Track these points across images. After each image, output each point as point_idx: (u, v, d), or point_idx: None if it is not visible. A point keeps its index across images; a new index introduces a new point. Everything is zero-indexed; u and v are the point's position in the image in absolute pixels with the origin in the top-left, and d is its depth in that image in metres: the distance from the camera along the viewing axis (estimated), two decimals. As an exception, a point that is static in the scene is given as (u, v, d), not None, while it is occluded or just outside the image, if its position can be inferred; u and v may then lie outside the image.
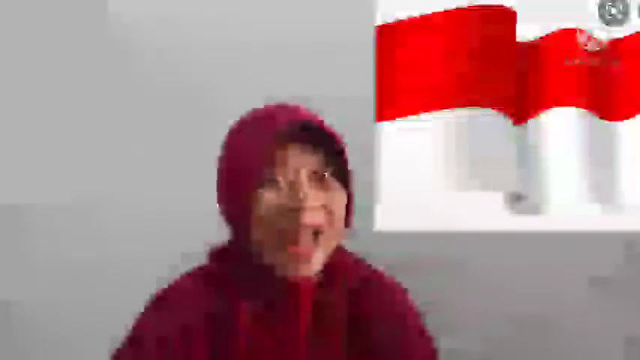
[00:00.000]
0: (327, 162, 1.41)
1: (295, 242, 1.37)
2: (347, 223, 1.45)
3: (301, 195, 1.36)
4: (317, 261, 1.41)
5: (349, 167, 1.43)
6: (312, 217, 1.37)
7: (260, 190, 1.37)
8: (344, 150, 1.41)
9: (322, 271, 1.46)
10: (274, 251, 1.40)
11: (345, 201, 1.43)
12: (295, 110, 1.42)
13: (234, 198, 1.40)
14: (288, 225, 1.37)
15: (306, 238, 1.38)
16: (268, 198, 1.37)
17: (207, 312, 1.44)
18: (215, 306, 1.44)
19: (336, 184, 1.41)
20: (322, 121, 1.40)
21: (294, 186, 1.37)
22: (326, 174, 1.39)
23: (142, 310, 1.49)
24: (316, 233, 1.39)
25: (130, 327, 1.50)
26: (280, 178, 1.38)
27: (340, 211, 1.42)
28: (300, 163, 1.38)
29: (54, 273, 2.57)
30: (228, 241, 1.47)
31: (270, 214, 1.37)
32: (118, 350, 1.48)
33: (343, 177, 1.43)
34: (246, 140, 1.40)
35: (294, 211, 1.36)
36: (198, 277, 1.50)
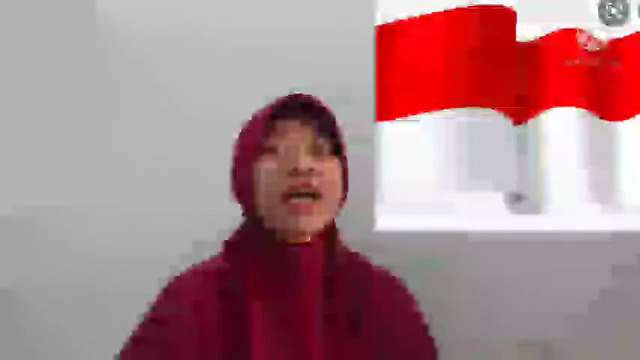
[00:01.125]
0: (324, 139, 1.53)
1: (295, 199, 1.48)
2: (343, 194, 1.55)
3: (298, 159, 1.48)
4: (317, 216, 1.49)
5: (342, 140, 1.56)
6: (307, 178, 1.48)
7: (261, 158, 1.49)
8: (335, 121, 1.53)
9: (325, 269, 1.48)
10: (275, 209, 1.48)
11: (339, 171, 1.55)
12: (296, 93, 1.54)
13: (239, 168, 1.51)
14: (287, 186, 1.48)
15: (304, 196, 1.49)
16: (268, 164, 1.49)
17: (219, 288, 1.48)
18: (227, 282, 1.48)
19: (330, 156, 1.54)
20: (319, 100, 1.54)
21: (292, 153, 1.49)
22: (321, 145, 1.53)
23: (155, 296, 1.53)
24: (313, 196, 1.49)
25: (132, 312, 1.52)
26: (279, 146, 1.50)
27: (335, 180, 1.54)
28: (298, 133, 1.49)
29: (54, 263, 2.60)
30: (240, 225, 1.54)
31: (270, 177, 1.48)
32: (134, 332, 1.51)
33: (339, 152, 1.55)
34: (251, 119, 1.55)
35: (292, 174, 1.47)
36: (211, 263, 1.55)
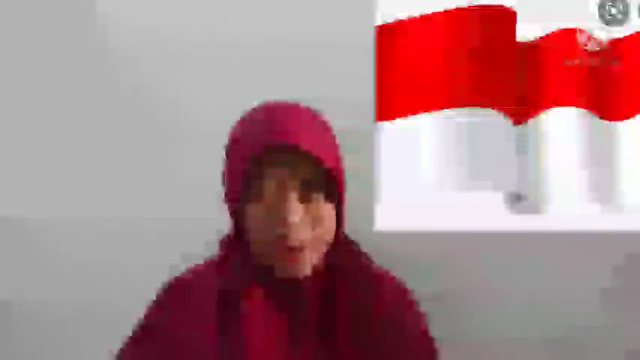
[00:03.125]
0: (317, 173, 1.41)
1: (282, 251, 1.39)
2: (337, 233, 1.46)
3: (287, 217, 1.37)
4: (306, 263, 1.42)
5: (340, 176, 1.43)
6: (297, 234, 1.38)
7: (247, 204, 1.39)
8: (325, 162, 1.41)
9: (326, 269, 1.47)
10: (265, 251, 1.42)
11: (333, 215, 1.43)
12: (284, 123, 1.41)
13: (227, 189, 1.44)
14: (276, 235, 1.39)
15: (292, 251, 1.39)
16: (255, 211, 1.39)
17: (217, 289, 1.46)
18: (225, 283, 1.46)
19: (321, 199, 1.41)
20: (307, 136, 1.39)
21: (280, 200, 1.38)
22: (312, 187, 1.39)
23: (154, 298, 1.52)
24: (302, 245, 1.40)
25: (132, 324, 1.52)
26: (266, 188, 1.39)
27: (328, 225, 1.43)
28: (287, 176, 1.39)
29: (54, 274, 2.59)
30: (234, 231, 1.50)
31: (257, 226, 1.39)
32: (133, 332, 1.50)
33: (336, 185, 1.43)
34: (236, 135, 1.43)
35: (280, 227, 1.37)
36: (210, 263, 1.53)
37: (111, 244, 2.68)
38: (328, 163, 1.39)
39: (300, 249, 1.39)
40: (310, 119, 1.43)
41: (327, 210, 1.41)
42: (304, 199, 1.38)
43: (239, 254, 1.47)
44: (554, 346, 2.79)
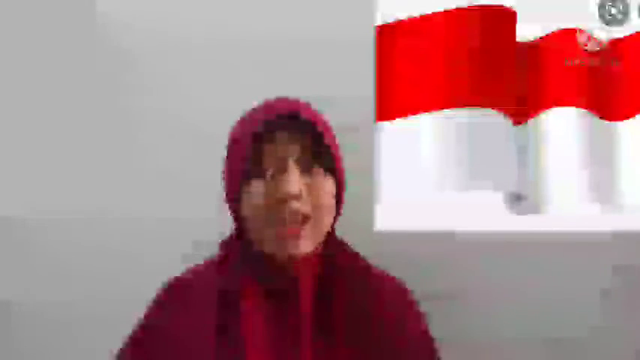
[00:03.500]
0: (317, 150, 1.43)
1: (283, 225, 1.40)
2: (337, 209, 1.47)
3: (287, 186, 1.38)
4: (306, 241, 1.42)
5: (337, 151, 1.45)
6: (297, 206, 1.39)
7: (248, 180, 1.40)
8: (324, 134, 1.42)
9: (323, 270, 1.47)
10: (264, 233, 1.42)
11: (332, 188, 1.44)
12: (282, 102, 1.43)
13: (227, 188, 1.45)
14: (276, 214, 1.40)
15: (293, 221, 1.40)
16: (256, 187, 1.40)
17: (217, 289, 1.47)
18: (225, 284, 1.46)
19: (322, 173, 1.43)
20: (305, 109, 1.43)
21: (281, 175, 1.39)
22: (313, 159, 1.41)
23: (154, 297, 1.53)
24: (303, 219, 1.41)
25: (133, 324, 1.52)
26: (268, 168, 1.41)
27: (327, 199, 1.44)
28: (287, 151, 1.40)
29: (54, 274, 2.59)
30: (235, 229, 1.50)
31: (258, 203, 1.40)
32: (133, 332, 1.51)
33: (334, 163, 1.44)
34: (235, 134, 1.46)
35: (280, 201, 1.38)
36: (210, 263, 1.53)
37: (111, 244, 2.68)
38: (328, 138, 1.40)
39: (301, 222, 1.39)
40: (310, 106, 1.46)
41: (328, 185, 1.42)
42: (305, 171, 1.40)
43: (239, 254, 1.48)
44: (554, 345, 2.80)
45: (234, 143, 1.44)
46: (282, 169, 1.39)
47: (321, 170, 1.43)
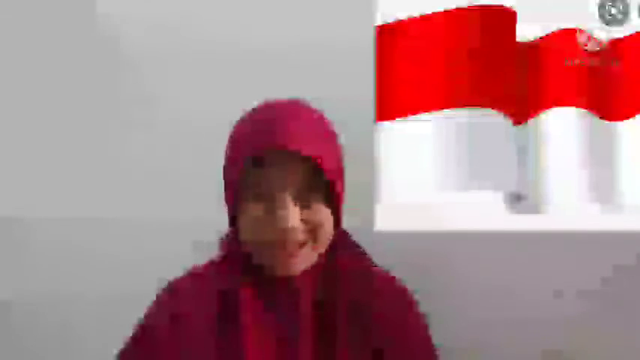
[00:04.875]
0: (316, 175, 1.41)
1: (279, 249, 1.39)
2: (335, 233, 1.45)
3: (283, 222, 1.36)
4: (303, 260, 1.41)
5: (337, 182, 1.42)
6: (294, 239, 1.38)
7: (246, 202, 1.39)
8: (324, 169, 1.40)
9: (323, 270, 1.47)
10: (261, 252, 1.41)
11: (330, 218, 1.43)
12: (282, 130, 1.40)
13: (225, 204, 1.43)
14: (273, 237, 1.38)
15: (289, 248, 1.39)
16: (253, 210, 1.39)
17: (217, 291, 1.46)
18: (225, 285, 1.46)
19: (320, 199, 1.40)
20: (309, 140, 1.38)
21: (279, 203, 1.38)
22: (310, 189, 1.39)
23: (154, 298, 1.52)
24: (300, 245, 1.40)
25: (132, 326, 1.52)
26: (264, 192, 1.39)
27: (324, 228, 1.42)
28: (285, 178, 1.39)
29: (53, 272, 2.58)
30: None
31: (255, 225, 1.39)
32: (133, 333, 1.51)
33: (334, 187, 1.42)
34: (232, 155, 1.42)
35: (277, 229, 1.37)
36: (210, 264, 1.53)
37: (111, 244, 2.68)
38: (328, 166, 1.38)
39: (296, 252, 1.39)
40: (311, 120, 1.42)
41: (325, 213, 1.41)
42: (302, 201, 1.38)
43: (239, 254, 1.47)
44: (554, 346, 2.80)
45: (235, 144, 1.42)
46: (280, 201, 1.37)
47: (320, 196, 1.41)
